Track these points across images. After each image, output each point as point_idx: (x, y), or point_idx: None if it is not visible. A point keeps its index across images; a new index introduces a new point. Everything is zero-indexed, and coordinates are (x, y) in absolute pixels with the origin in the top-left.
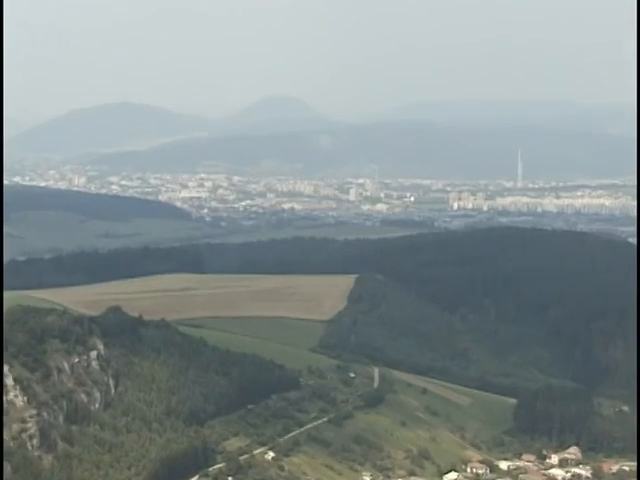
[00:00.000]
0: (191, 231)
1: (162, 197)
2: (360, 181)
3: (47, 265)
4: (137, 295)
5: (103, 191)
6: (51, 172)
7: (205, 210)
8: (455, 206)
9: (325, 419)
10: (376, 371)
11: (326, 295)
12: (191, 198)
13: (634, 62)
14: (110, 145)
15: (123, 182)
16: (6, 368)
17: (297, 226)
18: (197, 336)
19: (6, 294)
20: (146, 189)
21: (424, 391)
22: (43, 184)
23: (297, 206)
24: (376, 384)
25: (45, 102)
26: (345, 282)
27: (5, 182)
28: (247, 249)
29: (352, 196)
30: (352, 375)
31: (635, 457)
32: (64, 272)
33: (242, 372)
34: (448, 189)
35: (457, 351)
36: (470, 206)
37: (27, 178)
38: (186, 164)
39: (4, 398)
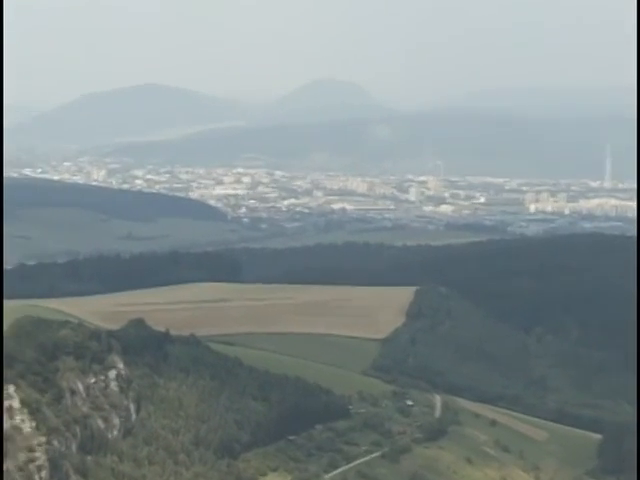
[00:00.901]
0: (226, 234)
1: (193, 194)
2: (422, 178)
3: (60, 271)
4: (163, 307)
5: (126, 186)
6: (66, 164)
7: (242, 210)
8: (532, 208)
9: (378, 453)
10: (438, 399)
11: (381, 310)
12: (227, 196)
13: None
14: (134, 134)
15: (149, 176)
16: (12, 389)
17: (348, 229)
18: (231, 355)
19: (13, 303)
20: (175, 185)
21: (493, 423)
22: (57, 178)
23: (349, 206)
24: (438, 414)
25: (57, 84)
26: (403, 295)
27: (13, 174)
28: (290, 255)
29: (412, 196)
30: (410, 403)
31: None
32: (80, 279)
33: (283, 397)
34: (524, 189)
35: (532, 377)
36: (549, 209)
37: (38, 170)
38: (221, 157)
39: (9, 423)
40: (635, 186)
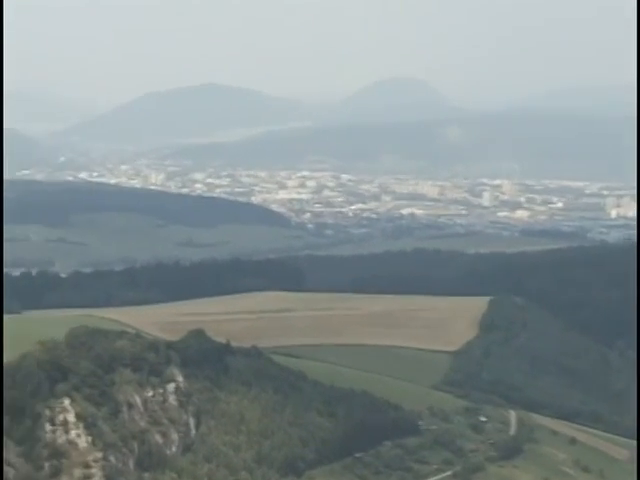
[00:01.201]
0: (290, 240)
1: (256, 199)
2: (496, 182)
3: (117, 279)
4: (224, 317)
5: (185, 191)
6: (123, 167)
7: (307, 215)
8: (613, 214)
9: (449, 472)
10: (513, 415)
11: (453, 321)
12: (290, 200)
13: None
14: (194, 135)
15: (209, 180)
16: (67, 402)
17: (418, 236)
18: (295, 368)
19: (68, 313)
20: (237, 189)
21: (572, 441)
22: (113, 181)
23: (419, 211)
24: (513, 431)
25: (114, 84)
26: (476, 305)
27: (69, 178)
28: (357, 263)
29: (486, 200)
30: (483, 419)
31: None
32: (137, 287)
33: (349, 413)
34: (605, 193)
35: (613, 393)
36: (631, 214)
37: (95, 174)
38: (285, 159)
39: (64, 437)
40: None
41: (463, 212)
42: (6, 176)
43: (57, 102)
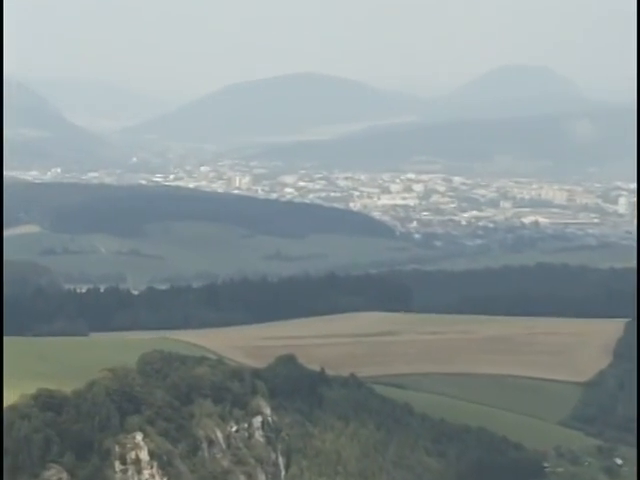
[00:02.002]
0: (394, 253)
1: (354, 205)
2: (633, 186)
3: (196, 297)
4: (318, 340)
5: (274, 196)
6: (203, 169)
7: (414, 224)
8: None
9: None
10: None
11: (582, 347)
12: (394, 207)
13: None
14: (283, 132)
15: (301, 184)
16: (140, 437)
17: (542, 248)
18: (400, 400)
19: (141, 336)
20: (332, 193)
21: None
22: (192, 185)
23: (543, 220)
24: None
25: (192, 76)
26: (610, 329)
27: (142, 182)
28: (471, 280)
29: (622, 207)
30: (619, 462)
31: None
32: (219, 307)
33: (463, 452)
34: None
35: None
36: None
37: (171, 177)
38: (388, 160)
39: (136, 478)
40: None
41: (595, 221)
42: (71, 180)
43: (129, 96)
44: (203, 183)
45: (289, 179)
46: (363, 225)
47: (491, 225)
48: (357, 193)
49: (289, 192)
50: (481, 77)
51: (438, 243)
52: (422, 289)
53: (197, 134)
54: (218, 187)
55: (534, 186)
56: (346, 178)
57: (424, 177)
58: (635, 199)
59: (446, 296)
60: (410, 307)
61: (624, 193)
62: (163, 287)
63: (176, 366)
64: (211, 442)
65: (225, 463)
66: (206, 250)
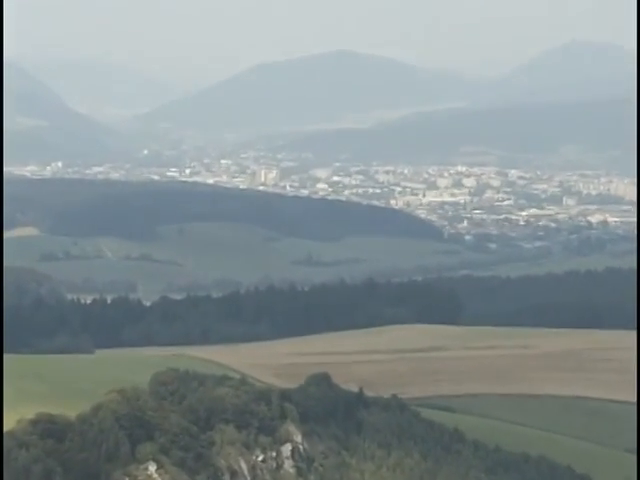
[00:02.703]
0: (442, 257)
1: (396, 203)
2: None
3: (216, 308)
4: (355, 357)
5: (304, 193)
6: (224, 162)
7: (464, 224)
8: None
9: None
10: None
11: None
12: (442, 204)
13: None
14: (315, 120)
15: (335, 178)
16: (153, 468)
17: (612, 251)
18: (450, 424)
19: (154, 352)
20: (371, 189)
21: None
22: (211, 181)
23: (613, 219)
24: None
25: (215, 58)
26: None
27: (154, 177)
28: (530, 287)
29: None
30: None
31: None
32: (242, 319)
33: None
34: None
35: None
36: None
37: (187, 171)
38: (435, 151)
39: None
40: None
41: None
42: (74, 175)
43: (141, 81)
44: (223, 178)
45: (322, 173)
46: (406, 225)
47: (553, 225)
48: (399, 189)
49: (322, 188)
50: (539, 56)
51: (492, 246)
52: (474, 298)
53: (217, 122)
54: (240, 183)
55: (602, 180)
56: (387, 172)
57: (476, 170)
58: None
59: (502, 306)
60: (461, 318)
61: None
62: (178, 297)
63: (194, 387)
64: (234, 473)
65: None
66: (227, 255)
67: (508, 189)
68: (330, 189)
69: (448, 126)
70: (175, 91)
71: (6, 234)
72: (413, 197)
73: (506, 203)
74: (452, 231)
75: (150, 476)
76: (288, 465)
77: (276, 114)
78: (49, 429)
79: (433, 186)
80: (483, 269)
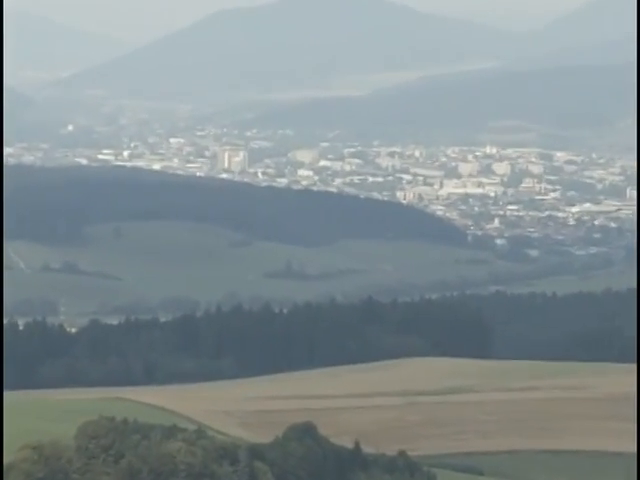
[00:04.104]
0: (465, 267)
1: (404, 195)
2: None
3: (164, 335)
4: (349, 401)
5: (282, 182)
6: (174, 141)
7: (495, 223)
8: None
9: None
10: None
11: None
12: (466, 198)
13: None
14: (294, 85)
15: (323, 163)
16: None
17: None
18: None
19: (81, 394)
20: (370, 178)
21: None
22: (158, 166)
23: None
24: None
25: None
26: None
27: (81, 161)
28: (583, 308)
29: None
30: None
31: None
32: (199, 350)
33: None
34: None
35: None
36: None
37: (126, 154)
38: (455, 125)
39: None
40: None
41: None
42: None
43: (67, 35)
44: (174, 163)
45: (305, 156)
46: (417, 226)
47: (613, 225)
48: (408, 177)
49: (305, 176)
50: (582, 7)
51: (532, 253)
52: (508, 323)
53: (166, 88)
54: (197, 169)
55: None
56: (391, 154)
57: (510, 152)
58: None
59: (545, 333)
60: (491, 350)
61: None
62: (114, 321)
63: (135, 441)
64: None
65: None
66: (180, 265)
67: (553, 177)
68: (316, 177)
69: (473, 93)
70: (112, 48)
71: None
72: (427, 188)
73: (551, 196)
74: (479, 233)
75: None
76: None
77: (244, 77)
78: None
79: (453, 173)
80: (520, 284)
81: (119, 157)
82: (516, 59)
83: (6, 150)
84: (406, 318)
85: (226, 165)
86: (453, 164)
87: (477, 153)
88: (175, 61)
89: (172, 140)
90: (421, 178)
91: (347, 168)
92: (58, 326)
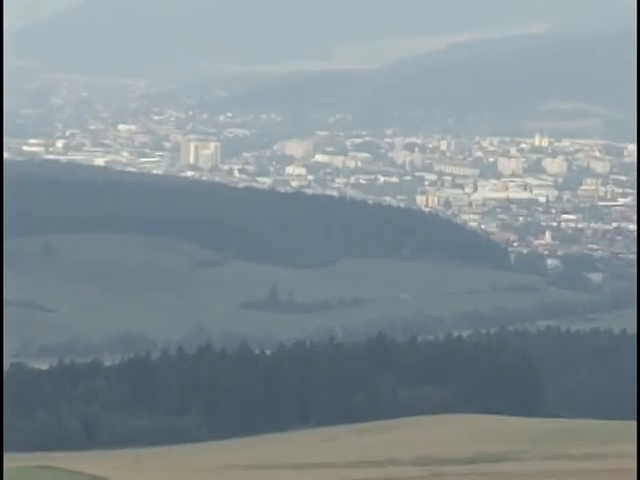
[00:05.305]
0: (506, 296)
1: (426, 201)
2: None
3: (110, 384)
4: (352, 473)
5: (265, 181)
6: (124, 129)
7: (546, 238)
8: None
9: None
10: None
11: None
12: (508, 204)
13: None
14: (283, 55)
15: (319, 157)
16: None
17: None
18: None
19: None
20: (382, 178)
21: None
22: (102, 161)
23: None
24: None
25: None
26: None
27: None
28: None
29: None
30: None
31: None
32: (156, 404)
33: None
34: None
35: None
36: None
37: (60, 144)
38: (492, 109)
39: None
40: None
41: None
42: None
43: None
44: (123, 156)
45: (296, 148)
46: (444, 240)
47: None
48: (432, 177)
49: (296, 175)
50: None
51: (596, 277)
52: (563, 368)
53: (112, 57)
54: (153, 165)
55: None
56: (410, 147)
57: (567, 144)
58: None
59: (612, 383)
60: (539, 405)
61: None
62: (43, 365)
63: None
64: None
65: None
66: (131, 291)
67: (623, 177)
68: (311, 177)
69: (516, 67)
70: (40, 4)
71: None
72: (456, 191)
73: (621, 202)
74: (524, 251)
75: None
76: None
77: (216, 43)
78: None
79: (491, 172)
80: (579, 318)
81: (51, 149)
82: (574, 21)
83: None
84: (428, 363)
85: (192, 160)
86: (491, 160)
87: (523, 145)
88: (125, 20)
89: (120, 127)
90: (449, 178)
91: (351, 165)
92: None
